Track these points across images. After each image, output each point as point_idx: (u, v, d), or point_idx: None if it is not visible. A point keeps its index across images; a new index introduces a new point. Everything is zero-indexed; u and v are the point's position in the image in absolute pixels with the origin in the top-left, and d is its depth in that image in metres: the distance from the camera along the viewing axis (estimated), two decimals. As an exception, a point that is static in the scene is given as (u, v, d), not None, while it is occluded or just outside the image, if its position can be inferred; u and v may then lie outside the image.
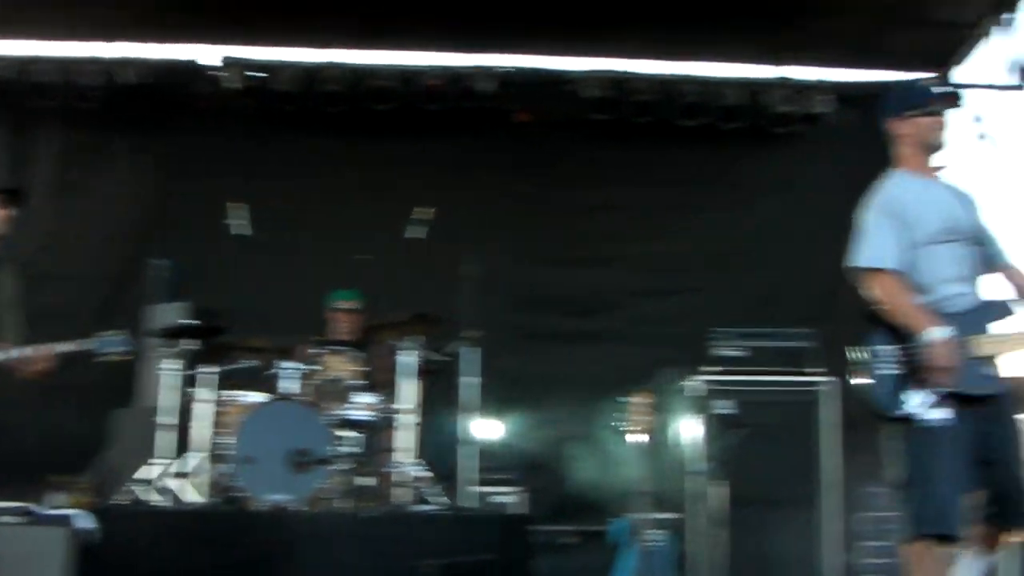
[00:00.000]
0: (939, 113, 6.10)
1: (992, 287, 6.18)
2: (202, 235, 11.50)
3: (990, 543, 5.83)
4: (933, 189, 6.14)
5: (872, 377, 5.85)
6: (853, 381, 6.02)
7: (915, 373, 5.73)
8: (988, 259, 6.12)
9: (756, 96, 12.35)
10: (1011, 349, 5.91)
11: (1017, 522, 5.75)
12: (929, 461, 5.70)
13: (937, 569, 5.66)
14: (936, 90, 6.21)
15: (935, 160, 6.20)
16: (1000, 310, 5.98)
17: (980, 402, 5.76)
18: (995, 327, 5.90)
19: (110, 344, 7.24)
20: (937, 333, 5.70)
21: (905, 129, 6.17)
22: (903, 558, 5.64)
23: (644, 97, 12.07)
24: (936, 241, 5.98)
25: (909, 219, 6.01)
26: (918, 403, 5.72)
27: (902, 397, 5.76)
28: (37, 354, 6.82)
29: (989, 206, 6.32)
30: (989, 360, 5.84)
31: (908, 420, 5.75)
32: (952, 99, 6.17)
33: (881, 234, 6.05)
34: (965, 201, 6.20)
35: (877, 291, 5.96)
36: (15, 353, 6.81)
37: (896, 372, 5.83)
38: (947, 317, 5.81)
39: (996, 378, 5.84)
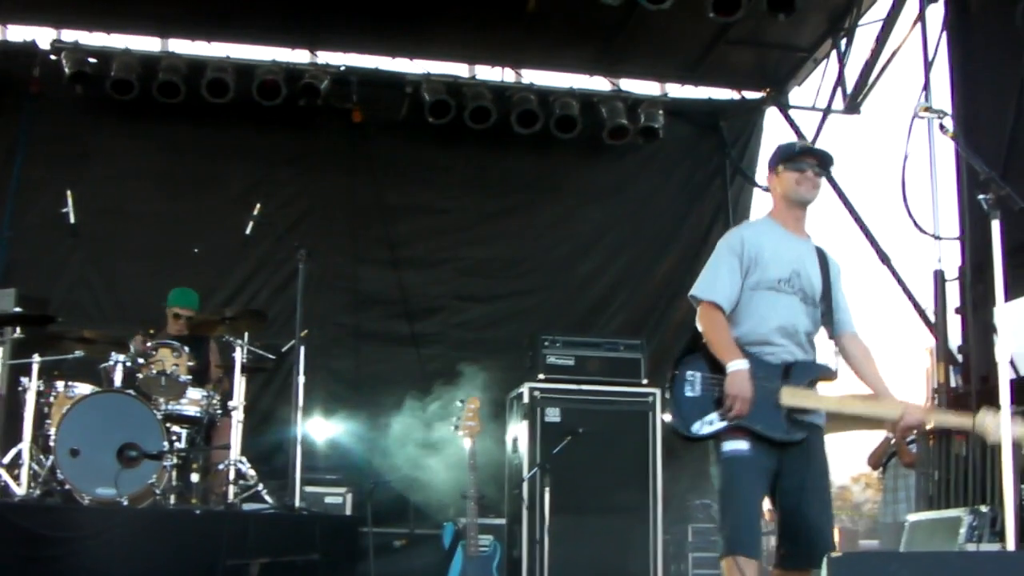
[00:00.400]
0: (805, 170, 6.24)
1: (826, 351, 6.43)
2: (29, 222, 11.34)
3: None
4: (787, 241, 6.31)
5: (677, 397, 6.07)
6: (665, 396, 6.24)
7: (718, 402, 5.96)
8: (834, 323, 6.31)
9: (591, 107, 12.53)
10: (812, 406, 6.09)
11: (806, 564, 5.89)
12: (729, 486, 5.96)
13: None
14: (803, 149, 6.40)
15: (802, 215, 6.35)
16: (822, 372, 6.21)
17: (779, 445, 5.99)
18: (812, 385, 6.12)
19: None
20: (737, 365, 5.93)
21: (775, 182, 6.36)
22: (722, 571, 5.86)
23: (482, 103, 12.15)
24: (772, 288, 6.16)
25: (753, 262, 6.19)
26: (711, 429, 5.96)
27: (699, 421, 5.99)
28: None
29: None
30: (794, 410, 6.04)
31: (707, 441, 6.02)
32: (818, 157, 6.29)
33: (720, 270, 6.21)
34: (824, 263, 6.38)
35: (702, 320, 6.15)
36: None
37: (700, 396, 6.05)
38: (762, 365, 6.04)
39: (796, 427, 6.01)
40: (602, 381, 10.20)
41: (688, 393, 6.08)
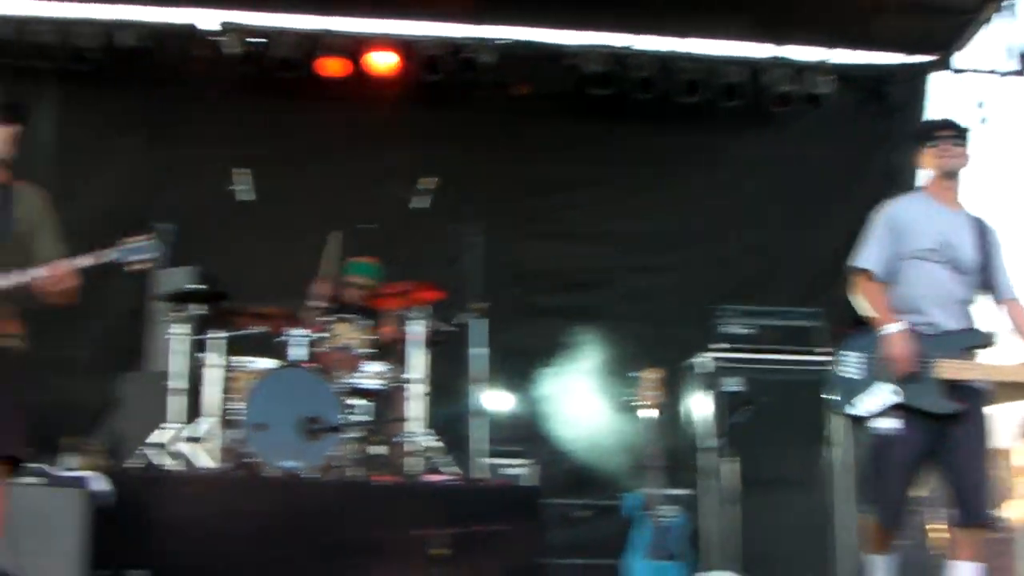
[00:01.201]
0: (942, 143, 6.53)
1: (987, 317, 6.61)
2: (203, 200, 11.45)
3: (956, 543, 6.33)
4: (938, 213, 6.57)
5: (838, 375, 6.49)
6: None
7: (875, 377, 6.30)
8: (993, 290, 6.54)
9: (754, 75, 12.35)
10: (970, 377, 6.29)
11: (967, 521, 6.21)
12: (878, 461, 6.34)
13: (876, 544, 6.42)
14: (936, 124, 6.80)
15: (952, 186, 6.64)
16: (981, 339, 6.42)
17: (935, 418, 6.23)
18: (972, 354, 6.35)
19: (135, 252, 6.32)
20: (894, 327, 6.27)
21: (921, 160, 6.68)
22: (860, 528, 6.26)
23: (644, 73, 12.02)
24: (922, 257, 6.45)
25: (904, 233, 6.51)
26: (866, 409, 6.34)
27: (854, 400, 6.39)
28: (55, 271, 6.05)
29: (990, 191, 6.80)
30: (952, 382, 6.25)
31: (862, 420, 6.40)
32: (953, 128, 6.60)
33: (874, 240, 6.58)
34: (982, 233, 6.59)
35: (857, 289, 6.53)
36: (30, 274, 6.08)
37: (856, 376, 6.41)
38: (919, 336, 6.28)
39: (956, 397, 6.22)
40: (781, 350, 10.03)
41: (848, 372, 6.42)
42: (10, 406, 6.14)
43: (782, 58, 12.53)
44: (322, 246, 10.83)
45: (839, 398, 6.45)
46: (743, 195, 12.63)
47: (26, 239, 6.30)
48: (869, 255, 6.54)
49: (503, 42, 12.25)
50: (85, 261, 6.14)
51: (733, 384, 9.77)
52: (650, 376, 8.88)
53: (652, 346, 10.94)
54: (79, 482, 8.01)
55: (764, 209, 12.60)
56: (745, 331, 10.07)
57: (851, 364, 6.42)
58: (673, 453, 9.91)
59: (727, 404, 9.75)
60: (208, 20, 12.15)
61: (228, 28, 11.97)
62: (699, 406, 9.95)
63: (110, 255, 6.22)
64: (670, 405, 9.52)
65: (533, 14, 12.19)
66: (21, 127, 6.40)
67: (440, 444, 9.38)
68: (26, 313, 6.31)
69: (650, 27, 12.32)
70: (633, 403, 8.89)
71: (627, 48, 12.28)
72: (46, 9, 12.00)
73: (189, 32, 12.19)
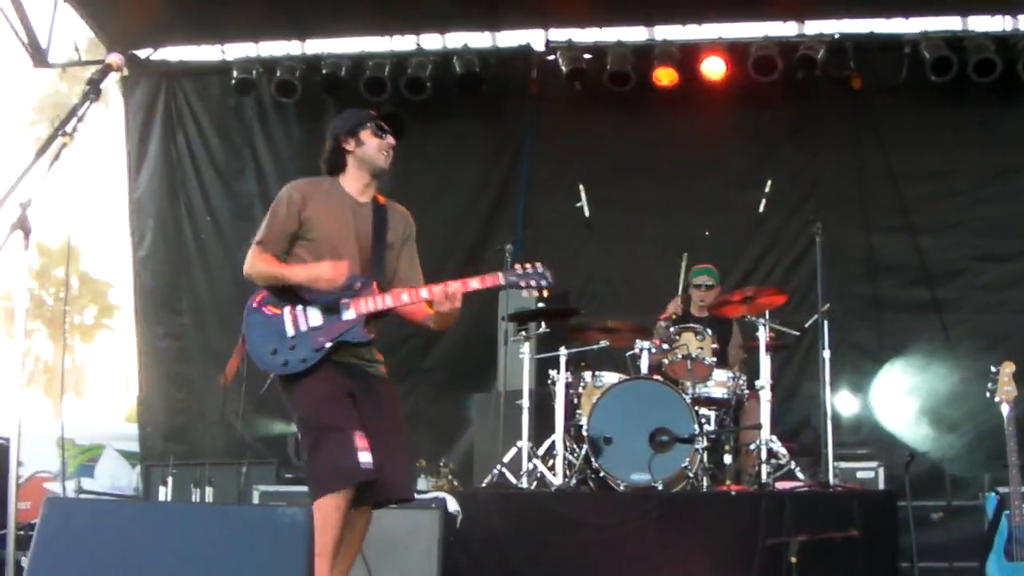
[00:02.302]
0: None
1: None
2: (542, 218, 11.67)
3: None
4: None
5: None
6: None
7: None
8: None
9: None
10: None
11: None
12: None
13: None
14: None
15: None
16: None
17: None
18: None
19: (525, 276, 6.10)
20: None
21: None
22: None
23: (985, 55, 11.56)
24: None
25: None
26: None
27: None
28: (447, 294, 5.95)
29: None
30: None
31: None
32: None
33: None
34: None
35: None
36: (406, 296, 6.05)
37: None
38: None
39: None
40: None
41: None
42: (401, 445, 6.15)
43: None
44: (665, 257, 10.91)
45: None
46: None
47: (392, 259, 6.37)
48: None
49: (835, 36, 12.00)
50: (474, 284, 6.07)
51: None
52: (1005, 370, 8.53)
53: (1010, 338, 10.57)
54: (438, 503, 8.18)
55: None
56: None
57: None
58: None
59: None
60: (537, 40, 12.41)
61: (557, 46, 12.13)
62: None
63: (499, 279, 6.12)
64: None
65: (864, 3, 11.95)
66: (396, 139, 6.38)
67: (785, 451, 9.24)
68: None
69: (984, 6, 11.86)
70: (990, 397, 8.55)
71: (961, 31, 11.84)
72: (379, 44, 12.53)
73: (524, 54, 12.46)
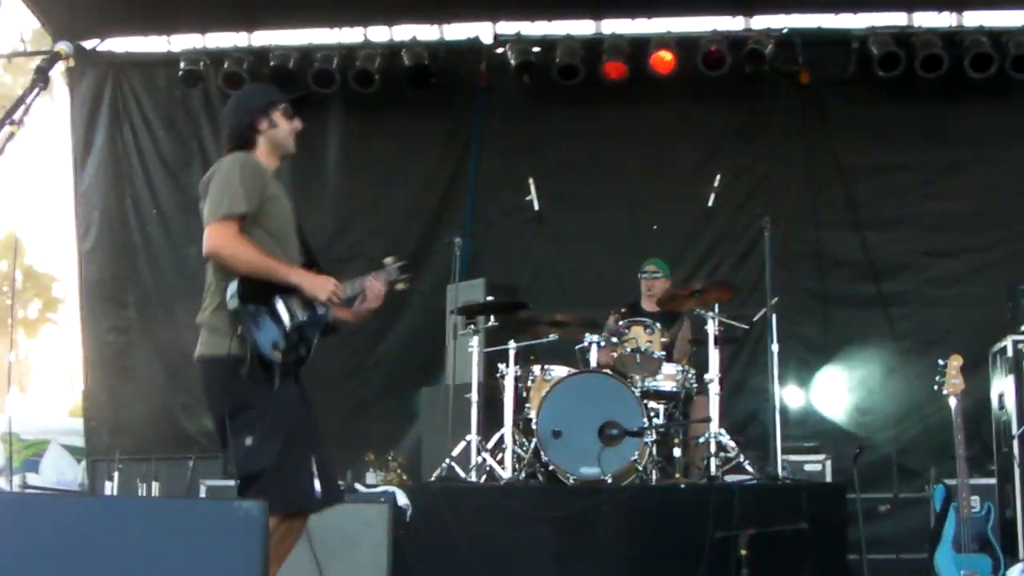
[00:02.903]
0: None
1: None
2: (490, 212, 11.66)
3: None
4: None
5: None
6: None
7: None
8: None
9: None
10: None
11: None
12: None
13: None
14: None
15: None
16: None
17: None
18: None
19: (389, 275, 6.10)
20: None
21: None
22: None
23: (932, 51, 11.60)
24: None
25: None
26: None
27: None
28: (373, 286, 5.91)
29: None
30: None
31: None
32: None
33: None
34: None
35: None
36: (357, 285, 5.87)
37: None
38: None
39: None
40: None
41: None
42: (324, 442, 5.99)
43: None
44: (615, 251, 10.94)
45: None
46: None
47: None
48: None
49: (784, 31, 12.04)
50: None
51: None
52: (952, 363, 8.58)
53: (956, 331, 10.65)
54: (386, 497, 8.19)
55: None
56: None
57: None
58: (980, 442, 9.63)
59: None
60: (486, 33, 12.39)
61: (509, 39, 12.10)
62: (1007, 391, 9.56)
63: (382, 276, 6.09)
64: (973, 391, 9.14)
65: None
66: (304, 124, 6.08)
67: (734, 444, 9.26)
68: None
69: (930, 2, 11.93)
70: (937, 390, 8.59)
71: (909, 27, 11.90)
72: (327, 36, 12.48)
73: (473, 47, 12.43)
